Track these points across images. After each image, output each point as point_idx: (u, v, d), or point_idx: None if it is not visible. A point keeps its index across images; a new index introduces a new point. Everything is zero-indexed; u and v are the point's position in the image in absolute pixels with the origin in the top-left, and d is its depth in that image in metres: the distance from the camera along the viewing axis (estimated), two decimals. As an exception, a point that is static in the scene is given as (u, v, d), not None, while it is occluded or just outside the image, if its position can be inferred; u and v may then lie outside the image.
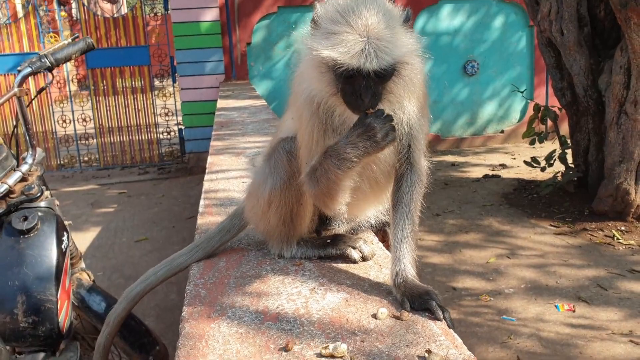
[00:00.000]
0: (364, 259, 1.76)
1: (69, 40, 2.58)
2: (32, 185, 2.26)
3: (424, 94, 1.59)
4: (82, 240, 5.60)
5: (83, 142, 8.62)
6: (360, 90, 1.37)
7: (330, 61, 1.36)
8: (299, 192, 1.66)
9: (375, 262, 1.76)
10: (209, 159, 3.43)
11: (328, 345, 1.26)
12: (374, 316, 1.42)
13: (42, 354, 2.18)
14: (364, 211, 1.83)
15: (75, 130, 8.56)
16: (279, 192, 1.67)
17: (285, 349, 1.26)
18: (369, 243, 1.83)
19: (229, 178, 2.93)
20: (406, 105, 1.54)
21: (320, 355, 1.24)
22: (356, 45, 1.33)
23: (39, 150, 2.42)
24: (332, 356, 1.23)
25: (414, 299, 1.47)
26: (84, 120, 8.53)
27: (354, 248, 1.76)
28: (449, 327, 1.37)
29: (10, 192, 2.21)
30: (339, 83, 1.40)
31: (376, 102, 1.41)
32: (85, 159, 8.68)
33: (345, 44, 1.34)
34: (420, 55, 1.47)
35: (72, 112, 8.48)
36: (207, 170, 3.13)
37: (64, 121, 8.51)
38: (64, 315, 2.20)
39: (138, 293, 1.89)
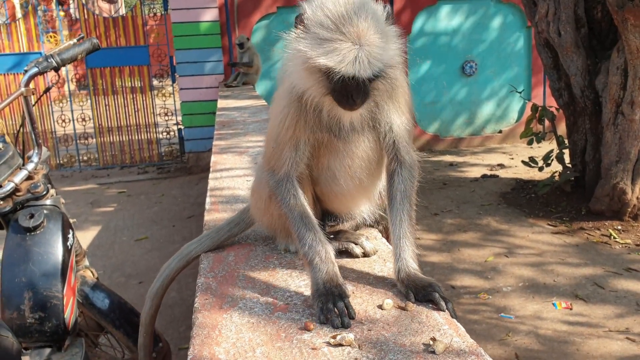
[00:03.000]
0: (365, 254, 1.79)
1: (75, 40, 2.61)
2: (38, 184, 2.28)
3: (404, 91, 1.62)
4: (83, 239, 5.61)
5: (82, 141, 8.64)
6: (352, 92, 1.41)
7: (324, 69, 1.39)
8: None
9: (379, 256, 1.80)
10: (213, 157, 3.47)
11: (336, 335, 1.30)
12: (380, 307, 1.46)
13: (48, 350, 2.20)
14: (354, 209, 1.84)
15: (74, 129, 8.58)
16: None
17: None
18: (372, 239, 1.88)
19: (233, 176, 2.98)
20: (388, 103, 1.58)
21: (329, 343, 1.28)
22: (350, 53, 1.36)
23: (44, 149, 2.44)
24: (341, 344, 1.27)
25: (417, 291, 1.51)
26: (83, 119, 8.55)
27: (356, 244, 1.80)
28: (452, 317, 1.41)
29: (16, 190, 2.24)
30: (331, 85, 1.43)
31: (366, 100, 1.46)
32: (85, 158, 8.70)
33: (338, 52, 1.36)
34: (401, 54, 1.51)
35: (72, 111, 8.50)
36: (211, 169, 3.18)
37: (63, 121, 8.53)
38: (70, 312, 2.22)
39: (159, 288, 1.99)
